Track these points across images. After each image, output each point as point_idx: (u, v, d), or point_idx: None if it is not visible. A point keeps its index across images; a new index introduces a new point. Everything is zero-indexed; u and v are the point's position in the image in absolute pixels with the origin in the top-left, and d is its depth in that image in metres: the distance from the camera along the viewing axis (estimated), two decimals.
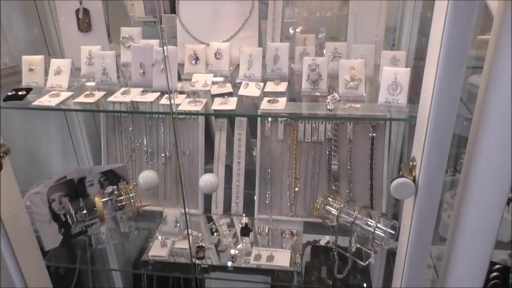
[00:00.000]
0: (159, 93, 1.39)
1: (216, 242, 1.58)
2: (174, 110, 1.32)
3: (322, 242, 1.57)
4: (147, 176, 1.56)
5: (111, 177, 1.55)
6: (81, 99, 1.40)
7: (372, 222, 1.29)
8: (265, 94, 1.37)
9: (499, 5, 0.80)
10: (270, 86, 1.41)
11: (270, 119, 1.56)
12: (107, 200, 1.49)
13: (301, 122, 1.54)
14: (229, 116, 1.64)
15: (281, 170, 1.61)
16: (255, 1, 1.54)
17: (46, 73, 1.48)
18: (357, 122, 1.50)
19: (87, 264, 1.67)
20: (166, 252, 1.53)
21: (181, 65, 1.51)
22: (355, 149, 1.53)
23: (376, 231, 1.28)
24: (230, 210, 1.69)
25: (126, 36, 1.58)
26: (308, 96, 1.37)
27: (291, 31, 1.77)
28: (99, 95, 1.42)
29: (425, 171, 0.91)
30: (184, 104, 1.35)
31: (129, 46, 1.52)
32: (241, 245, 1.56)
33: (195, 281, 1.58)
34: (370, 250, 1.35)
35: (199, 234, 1.60)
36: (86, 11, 1.62)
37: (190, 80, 1.45)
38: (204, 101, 1.36)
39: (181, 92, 1.42)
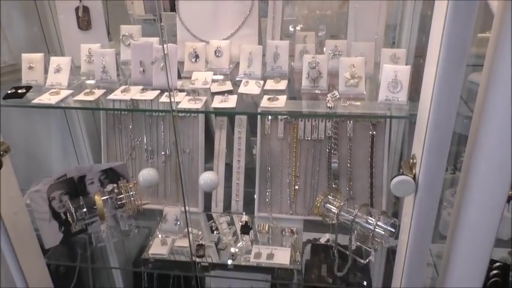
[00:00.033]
0: (159, 91, 1.39)
1: (216, 240, 1.58)
2: (174, 108, 1.32)
3: (322, 240, 1.57)
4: (147, 174, 1.55)
5: (111, 176, 1.55)
6: (81, 97, 1.40)
7: (372, 220, 1.30)
8: (265, 92, 1.37)
9: (499, 3, 0.80)
10: (270, 84, 1.41)
11: (270, 117, 1.56)
12: (107, 198, 1.49)
13: (301, 120, 1.54)
14: (229, 114, 1.64)
15: (281, 168, 1.61)
16: None
17: (46, 71, 1.48)
18: (357, 120, 1.50)
19: (88, 262, 1.67)
20: (166, 250, 1.53)
21: (181, 63, 1.50)
22: (355, 147, 1.53)
23: (376, 229, 1.28)
24: (230, 209, 1.69)
25: (126, 34, 1.58)
26: (308, 94, 1.37)
27: (291, 29, 1.76)
28: (99, 93, 1.42)
29: (425, 169, 0.91)
30: (184, 102, 1.35)
31: (129, 44, 1.52)
32: (241, 243, 1.56)
33: (195, 279, 1.58)
34: (370, 248, 1.35)
35: (200, 233, 1.60)
36: (86, 9, 1.62)
37: (190, 78, 1.45)
38: (204, 99, 1.36)
39: (181, 90, 1.42)
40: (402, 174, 0.95)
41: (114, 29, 1.65)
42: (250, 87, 1.39)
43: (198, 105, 1.34)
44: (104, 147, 1.74)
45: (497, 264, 1.24)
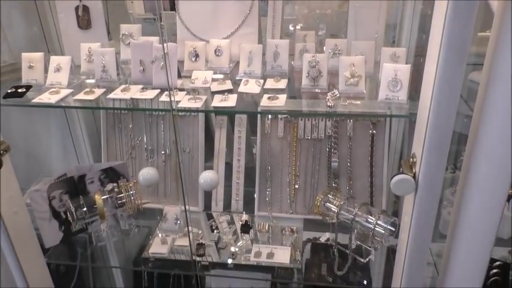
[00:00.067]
0: (159, 90, 1.39)
1: (216, 239, 1.58)
2: (174, 107, 1.32)
3: (322, 239, 1.57)
4: (147, 173, 1.55)
5: (111, 175, 1.55)
6: (81, 96, 1.40)
7: (372, 219, 1.30)
8: (265, 91, 1.37)
9: (500, 3, 0.80)
10: (270, 83, 1.41)
11: (270, 116, 1.56)
12: (107, 198, 1.49)
13: (301, 119, 1.54)
14: (229, 113, 1.64)
15: (281, 167, 1.61)
16: None
17: (46, 70, 1.48)
18: (357, 119, 1.50)
19: (88, 261, 1.67)
20: (166, 249, 1.53)
21: (181, 62, 1.50)
22: (355, 146, 1.53)
23: (376, 228, 1.28)
24: (230, 208, 1.69)
25: (126, 33, 1.58)
26: (308, 93, 1.37)
27: (291, 28, 1.76)
28: (99, 92, 1.42)
29: (425, 168, 0.91)
30: (184, 101, 1.35)
31: (129, 43, 1.52)
32: (241, 242, 1.56)
33: (195, 278, 1.58)
34: (370, 247, 1.35)
35: (200, 232, 1.60)
36: (86, 8, 1.62)
37: (190, 77, 1.45)
38: (204, 98, 1.36)
39: (181, 89, 1.42)
40: (402, 173, 0.95)
41: (114, 28, 1.65)
42: (250, 86, 1.39)
43: (198, 104, 1.34)
44: (104, 146, 1.74)
45: (498, 263, 1.24)
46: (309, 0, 1.80)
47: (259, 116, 1.57)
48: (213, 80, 1.43)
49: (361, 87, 1.31)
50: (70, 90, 1.43)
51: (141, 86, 1.42)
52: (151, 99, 1.37)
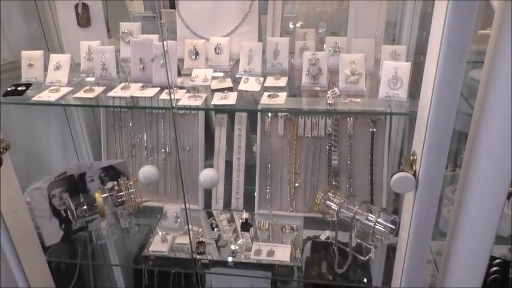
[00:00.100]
0: (158, 88, 1.39)
1: (216, 238, 1.58)
2: (174, 105, 1.32)
3: (323, 237, 1.57)
4: (147, 172, 1.56)
5: (112, 173, 1.55)
6: (81, 94, 1.40)
7: (372, 217, 1.30)
8: (265, 89, 1.37)
9: (499, 1, 0.79)
10: (270, 81, 1.40)
11: (270, 114, 1.56)
12: (107, 196, 1.49)
13: (301, 117, 1.54)
14: (229, 111, 1.63)
15: (281, 165, 1.61)
16: None
17: (45, 68, 1.48)
18: (357, 117, 1.50)
19: (88, 259, 1.68)
20: (166, 247, 1.53)
21: (181, 60, 1.50)
22: (355, 144, 1.53)
23: (376, 226, 1.28)
24: (230, 206, 1.69)
25: (126, 31, 1.58)
26: (308, 91, 1.37)
27: (291, 26, 1.76)
28: (98, 90, 1.41)
29: (425, 166, 0.91)
30: (184, 99, 1.35)
31: (129, 41, 1.52)
32: (241, 240, 1.56)
33: (195, 276, 1.58)
34: (370, 245, 1.35)
35: (200, 230, 1.60)
36: (85, 6, 1.61)
37: (190, 75, 1.45)
38: (204, 96, 1.36)
39: (181, 87, 1.41)
40: (402, 171, 0.95)
41: (114, 26, 1.65)
42: (250, 84, 1.39)
43: (198, 102, 1.33)
44: (104, 144, 1.74)
45: (498, 261, 1.24)
46: None
47: (259, 114, 1.57)
48: (213, 78, 1.43)
49: (361, 85, 1.31)
50: (70, 88, 1.42)
51: (141, 84, 1.42)
52: (151, 97, 1.36)
